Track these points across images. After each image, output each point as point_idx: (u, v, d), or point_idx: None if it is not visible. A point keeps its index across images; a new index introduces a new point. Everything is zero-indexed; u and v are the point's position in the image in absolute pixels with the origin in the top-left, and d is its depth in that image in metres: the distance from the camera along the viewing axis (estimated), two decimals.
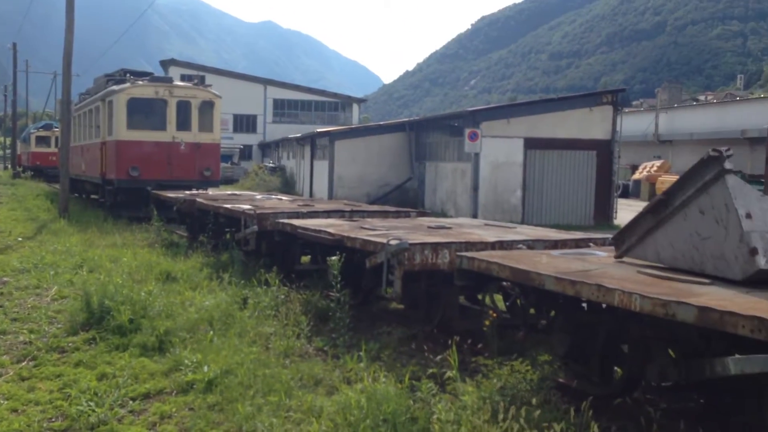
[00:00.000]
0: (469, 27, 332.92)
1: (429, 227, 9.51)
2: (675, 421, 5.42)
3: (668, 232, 5.94)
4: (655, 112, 53.04)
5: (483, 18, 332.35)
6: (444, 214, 24.80)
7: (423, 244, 7.58)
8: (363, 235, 8.47)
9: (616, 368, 6.21)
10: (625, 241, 6.45)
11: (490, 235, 8.51)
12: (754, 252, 5.12)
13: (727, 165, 5.38)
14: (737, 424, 5.23)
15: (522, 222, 23.20)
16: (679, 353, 5.44)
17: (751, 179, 28.89)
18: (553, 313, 6.59)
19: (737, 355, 4.29)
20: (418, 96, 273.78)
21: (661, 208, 5.98)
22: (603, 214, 26.71)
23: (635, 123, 48.55)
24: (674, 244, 5.86)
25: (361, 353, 6.59)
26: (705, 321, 4.59)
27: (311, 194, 35.07)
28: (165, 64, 66.02)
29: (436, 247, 7.58)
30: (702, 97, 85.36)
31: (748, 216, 5.27)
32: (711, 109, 51.75)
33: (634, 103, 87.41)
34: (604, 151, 26.91)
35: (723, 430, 5.25)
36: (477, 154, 25.78)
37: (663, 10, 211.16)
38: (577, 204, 26.84)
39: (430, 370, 6.02)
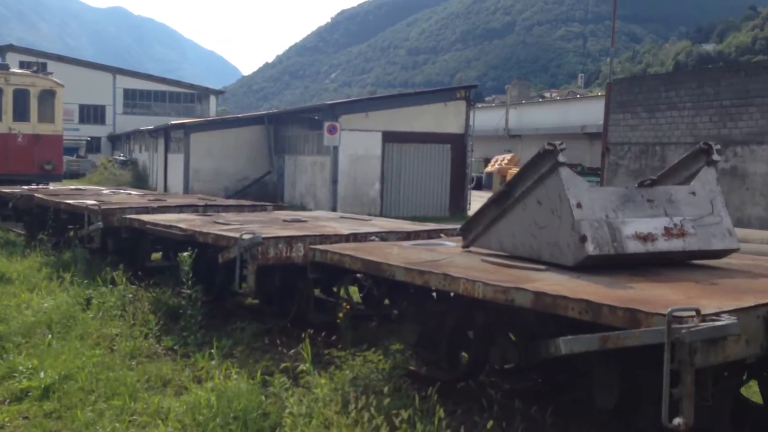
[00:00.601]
0: (329, 20, 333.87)
1: (284, 221, 9.45)
2: (514, 401, 5.71)
3: (510, 222, 6.24)
4: (506, 107, 55.67)
5: (342, 12, 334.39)
6: (303, 208, 24.71)
7: (277, 238, 7.52)
8: (215, 229, 8.27)
9: (463, 354, 6.46)
10: (472, 232, 6.72)
11: (345, 228, 8.58)
12: (583, 239, 5.49)
13: (561, 158, 5.72)
14: (569, 401, 5.60)
15: (381, 214, 23.57)
16: (519, 337, 5.74)
17: (590, 171, 31.05)
18: (405, 303, 6.75)
19: (568, 336, 4.58)
20: (278, 89, 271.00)
21: (504, 199, 6.27)
22: (458, 205, 27.71)
23: (487, 118, 50.66)
24: (515, 234, 6.17)
25: (213, 350, 6.43)
26: (540, 305, 4.87)
27: (165, 189, 33.79)
28: (2, 50, 61.06)
29: (290, 240, 7.54)
30: (547, 94, 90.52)
31: (579, 205, 5.64)
32: (555, 105, 55.03)
33: (486, 98, 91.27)
34: (458, 144, 27.90)
35: (556, 407, 5.60)
36: (336, 148, 25.92)
37: (512, 10, 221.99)
38: (434, 196, 27.67)
39: (283, 365, 5.98)
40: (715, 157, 6.17)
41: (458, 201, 27.86)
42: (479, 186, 42.00)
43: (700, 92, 19.33)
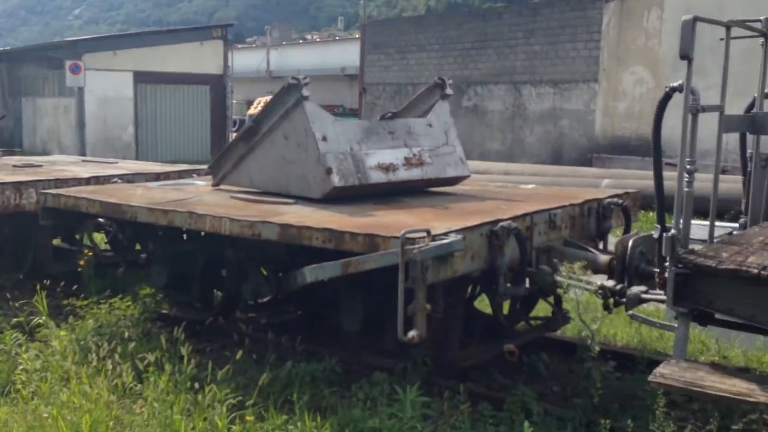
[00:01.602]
0: None
1: (15, 166, 8.53)
2: (267, 334, 5.80)
3: (259, 157, 6.18)
4: (266, 49, 54.90)
5: None
6: (47, 155, 22.56)
7: (3, 184, 6.77)
8: None
9: (217, 292, 6.38)
10: (221, 169, 6.57)
11: (86, 171, 7.96)
12: (329, 171, 5.62)
13: (305, 92, 5.75)
14: (322, 330, 5.80)
15: (137, 159, 22.29)
16: (271, 271, 5.79)
17: (351, 112, 31.92)
18: (152, 245, 6.47)
19: (313, 265, 4.69)
20: (12, 25, 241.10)
21: (251, 135, 6.19)
22: (220, 148, 26.97)
23: (248, 59, 49.62)
24: (264, 169, 6.14)
25: None
26: (286, 237, 4.93)
27: None
28: None
29: (19, 186, 6.83)
30: (309, 36, 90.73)
31: (324, 139, 5.74)
32: (315, 47, 55.34)
33: (247, 39, 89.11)
34: (217, 86, 27.06)
35: (310, 336, 5.77)
36: (81, 89, 23.80)
37: None
38: (194, 139, 26.72)
39: (16, 320, 5.47)
40: (448, 91, 6.58)
41: (220, 144, 27.14)
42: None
43: (446, 35, 20.56)
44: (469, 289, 5.83)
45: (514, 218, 4.88)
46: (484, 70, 19.55)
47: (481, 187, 7.11)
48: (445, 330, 5.13)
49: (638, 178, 13.56)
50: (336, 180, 5.62)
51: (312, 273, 4.65)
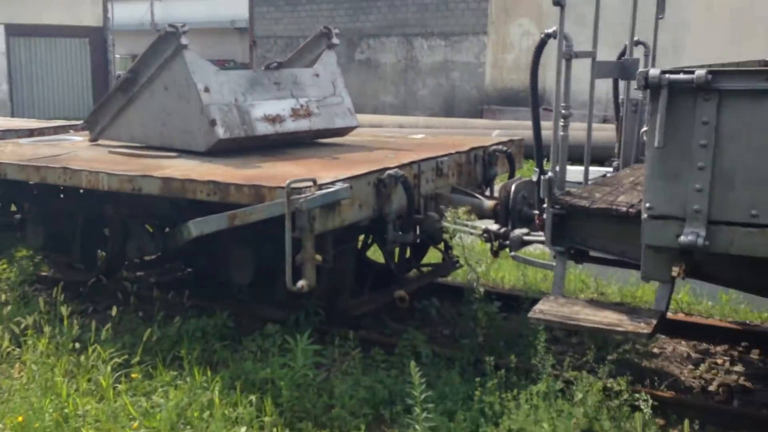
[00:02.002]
0: None
1: None
2: (161, 291, 5.65)
3: (138, 110, 5.92)
4: (150, 0, 52.29)
5: None
6: None
7: None
8: None
9: (100, 251, 6.14)
10: (99, 123, 6.26)
11: None
12: (213, 123, 5.46)
13: (184, 40, 5.52)
14: (212, 285, 5.70)
15: (12, 117, 20.88)
16: (156, 227, 5.61)
17: (243, 66, 31.00)
18: (27, 205, 6.13)
19: (197, 219, 4.57)
20: None
21: (129, 86, 5.90)
22: None
23: (131, 12, 47.07)
24: (145, 122, 5.89)
25: None
26: (169, 191, 4.78)
27: None
28: None
29: None
30: None
31: (207, 90, 5.55)
32: None
33: None
34: (97, 39, 25.58)
35: (200, 292, 5.67)
36: None
37: None
38: (74, 96, 25.25)
39: None
40: (335, 40, 6.49)
41: None
42: None
43: None
44: (362, 239, 5.89)
45: (402, 166, 4.92)
46: (376, 22, 19.42)
47: (371, 137, 7.12)
48: (337, 279, 5.15)
49: (527, 128, 13.89)
50: (221, 132, 5.47)
51: (197, 227, 4.53)
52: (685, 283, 6.05)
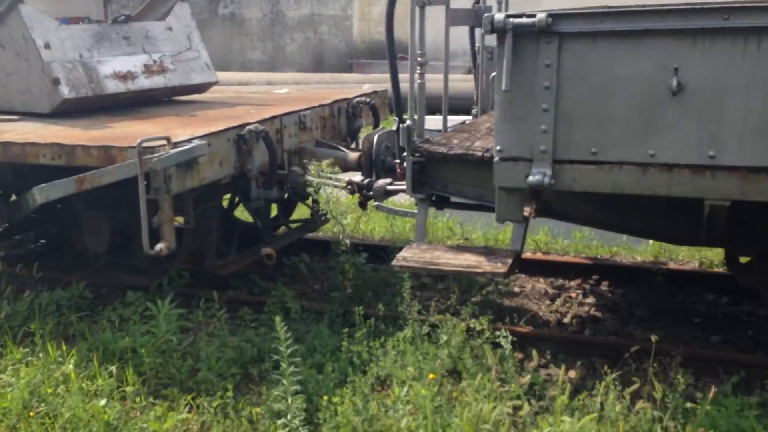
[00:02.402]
0: None
1: None
2: (9, 265, 5.29)
3: None
4: None
5: None
6: None
7: None
8: None
9: None
10: None
11: None
12: (57, 82, 5.09)
13: None
14: (70, 255, 5.40)
15: None
16: (0, 197, 5.21)
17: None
18: None
19: (42, 185, 4.27)
20: None
21: None
22: None
23: None
24: None
25: None
26: (9, 156, 4.45)
27: None
28: None
29: None
30: None
31: (47, 46, 5.16)
32: None
33: None
34: None
35: (53, 263, 5.36)
36: None
37: None
38: None
39: None
40: None
41: None
42: None
43: None
44: (228, 198, 5.75)
45: (262, 121, 4.80)
46: None
47: (234, 93, 6.91)
48: (201, 240, 5.01)
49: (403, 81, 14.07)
50: (65, 91, 5.11)
51: (42, 193, 4.24)
52: (543, 224, 6.36)
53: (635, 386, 3.31)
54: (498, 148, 3.36)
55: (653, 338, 3.54)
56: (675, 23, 2.93)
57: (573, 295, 5.25)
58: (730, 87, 2.92)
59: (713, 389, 3.35)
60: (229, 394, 3.49)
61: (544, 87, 3.19)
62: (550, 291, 5.33)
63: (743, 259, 3.98)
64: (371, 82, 14.75)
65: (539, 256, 5.95)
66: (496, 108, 3.32)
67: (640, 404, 3.28)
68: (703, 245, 4.17)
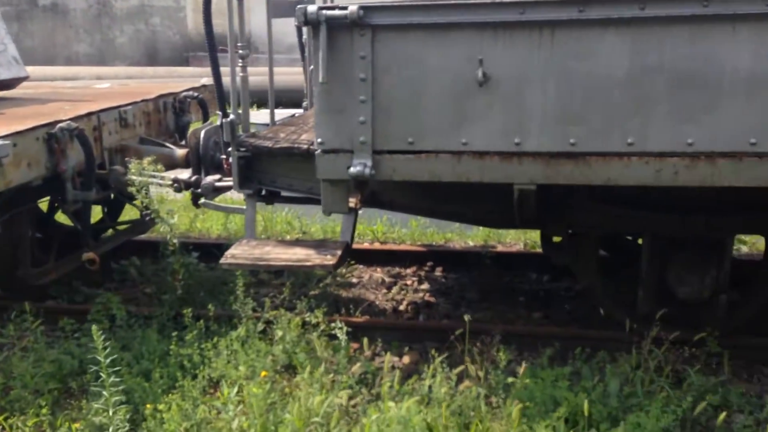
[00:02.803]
0: None
1: None
2: None
3: None
4: None
5: None
6: None
7: None
8: None
9: None
10: None
11: None
12: None
13: None
14: None
15: None
16: None
17: None
18: None
19: None
20: None
21: None
22: None
23: None
24: None
25: None
26: None
27: None
28: None
29: None
30: None
31: None
32: None
33: None
34: None
35: None
36: None
37: None
38: None
39: None
40: None
41: None
42: None
43: None
44: (47, 202, 5.37)
45: (77, 118, 4.51)
46: None
47: (50, 89, 6.46)
48: (12, 248, 4.63)
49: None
50: None
51: None
52: (382, 214, 6.48)
53: (461, 367, 3.44)
54: (319, 140, 3.35)
55: (466, 318, 3.68)
56: (478, 17, 3.05)
57: (409, 282, 5.38)
58: (530, 77, 3.09)
59: (523, 364, 3.56)
60: (45, 411, 3.25)
61: (360, 79, 3.22)
62: (387, 280, 5.44)
63: (556, 239, 4.25)
64: (210, 75, 14.36)
65: (377, 246, 6.05)
66: (314, 100, 3.32)
67: (464, 384, 3.41)
68: (519, 228, 4.40)
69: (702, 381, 3.59)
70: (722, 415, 3.18)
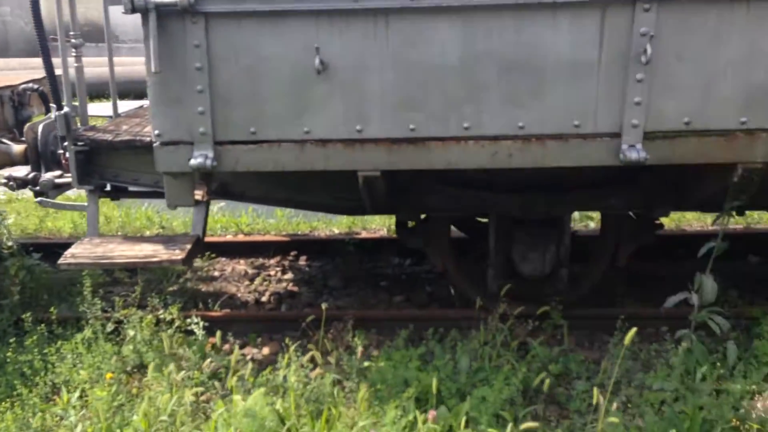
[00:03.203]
0: None
1: None
2: None
3: None
4: None
5: None
6: None
7: None
8: None
9: None
10: None
11: None
12: None
13: None
14: None
15: None
16: None
17: None
18: None
19: None
20: None
21: None
22: None
23: None
24: None
25: None
26: None
27: None
28: None
29: None
30: None
31: None
32: None
33: None
34: None
35: None
36: None
37: None
38: None
39: None
40: None
41: None
42: None
43: None
44: None
45: None
46: None
47: None
48: None
49: (94, 65, 13.13)
50: None
51: None
52: (246, 206, 6.37)
53: (310, 354, 3.44)
54: (156, 132, 3.24)
55: (323, 306, 3.70)
56: (312, 4, 3.03)
57: (272, 273, 5.33)
58: (368, 65, 3.11)
59: (377, 349, 3.62)
60: None
61: (196, 68, 3.13)
62: (250, 271, 5.36)
63: (411, 224, 4.33)
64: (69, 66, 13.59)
65: (240, 237, 5.96)
66: (149, 91, 3.20)
67: (317, 371, 3.43)
68: (371, 214, 4.45)
69: (546, 352, 3.78)
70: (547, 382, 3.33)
